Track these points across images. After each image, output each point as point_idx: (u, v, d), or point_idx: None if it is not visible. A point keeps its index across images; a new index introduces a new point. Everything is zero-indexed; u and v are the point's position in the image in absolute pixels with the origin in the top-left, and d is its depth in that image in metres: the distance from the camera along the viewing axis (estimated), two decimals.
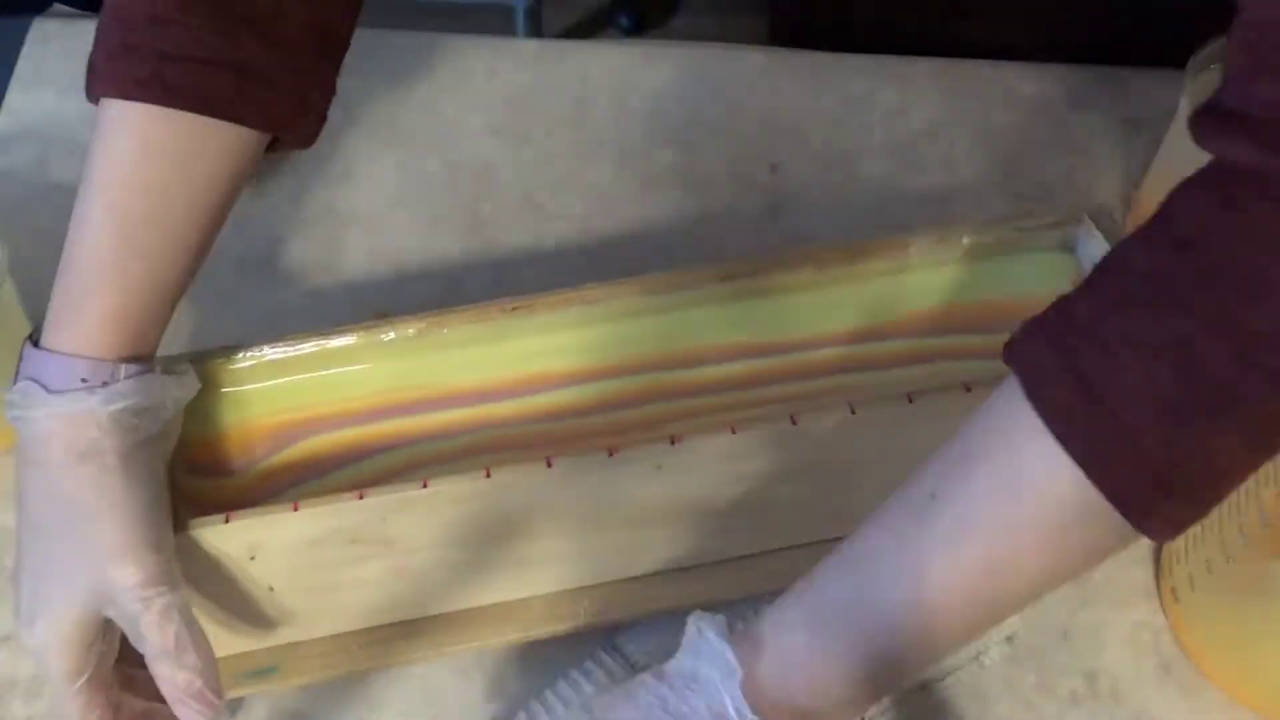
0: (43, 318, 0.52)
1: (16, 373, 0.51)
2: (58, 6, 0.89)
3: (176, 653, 0.49)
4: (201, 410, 0.58)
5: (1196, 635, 0.58)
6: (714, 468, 0.55)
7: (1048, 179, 0.75)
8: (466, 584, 0.57)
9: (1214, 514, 0.55)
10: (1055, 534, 0.42)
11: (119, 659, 0.52)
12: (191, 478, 0.58)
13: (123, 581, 0.49)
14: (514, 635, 0.57)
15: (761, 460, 0.55)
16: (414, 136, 0.78)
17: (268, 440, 0.59)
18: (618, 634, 0.58)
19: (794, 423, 0.54)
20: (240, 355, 0.59)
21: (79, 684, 0.49)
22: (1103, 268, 0.42)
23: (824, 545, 0.59)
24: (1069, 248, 0.63)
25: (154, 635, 0.49)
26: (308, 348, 0.59)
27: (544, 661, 0.58)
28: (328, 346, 0.59)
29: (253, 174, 0.55)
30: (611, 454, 0.53)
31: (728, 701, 0.45)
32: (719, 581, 0.57)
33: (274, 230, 0.74)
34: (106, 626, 0.50)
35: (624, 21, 1.83)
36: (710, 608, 0.48)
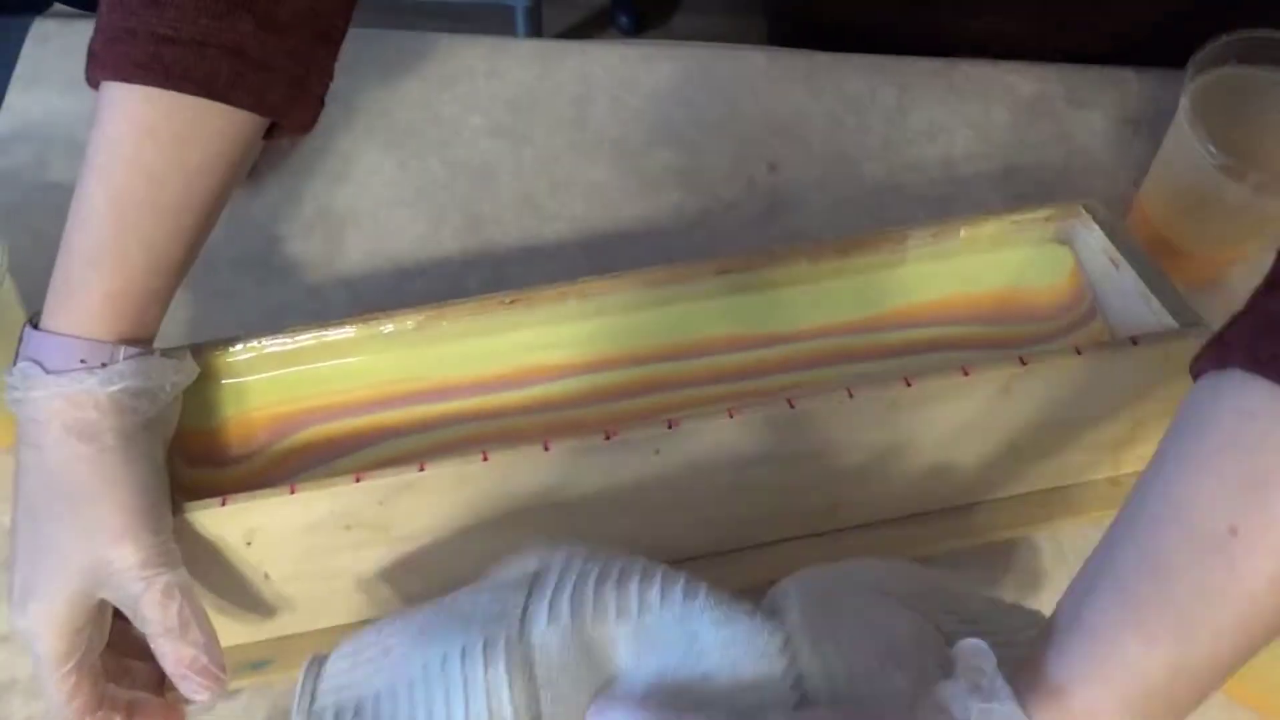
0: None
1: (16, 354, 0.52)
2: (58, 6, 0.89)
3: (181, 630, 0.49)
4: (200, 401, 0.58)
5: None
6: (712, 452, 0.54)
7: (1047, 179, 0.75)
8: (464, 573, 0.57)
9: None
10: None
11: (107, 647, 0.52)
12: (190, 469, 0.58)
13: (121, 562, 0.49)
14: None
15: (759, 444, 0.55)
16: (414, 136, 0.78)
17: (266, 431, 0.60)
18: None
19: (791, 406, 0.54)
20: (239, 346, 0.59)
21: (66, 668, 0.49)
22: None
23: (824, 538, 0.59)
24: (1065, 240, 0.63)
25: (156, 614, 0.49)
26: (307, 339, 0.59)
27: None
28: (326, 338, 0.59)
29: (253, 166, 0.55)
30: (609, 437, 0.53)
31: None
32: (721, 573, 0.57)
33: (273, 229, 0.74)
34: (98, 611, 0.50)
35: (623, 21, 1.84)
36: None
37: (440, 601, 0.48)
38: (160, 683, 0.54)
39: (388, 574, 0.56)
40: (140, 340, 0.52)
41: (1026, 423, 0.57)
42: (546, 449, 0.53)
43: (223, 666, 0.50)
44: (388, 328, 0.59)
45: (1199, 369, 0.40)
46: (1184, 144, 0.63)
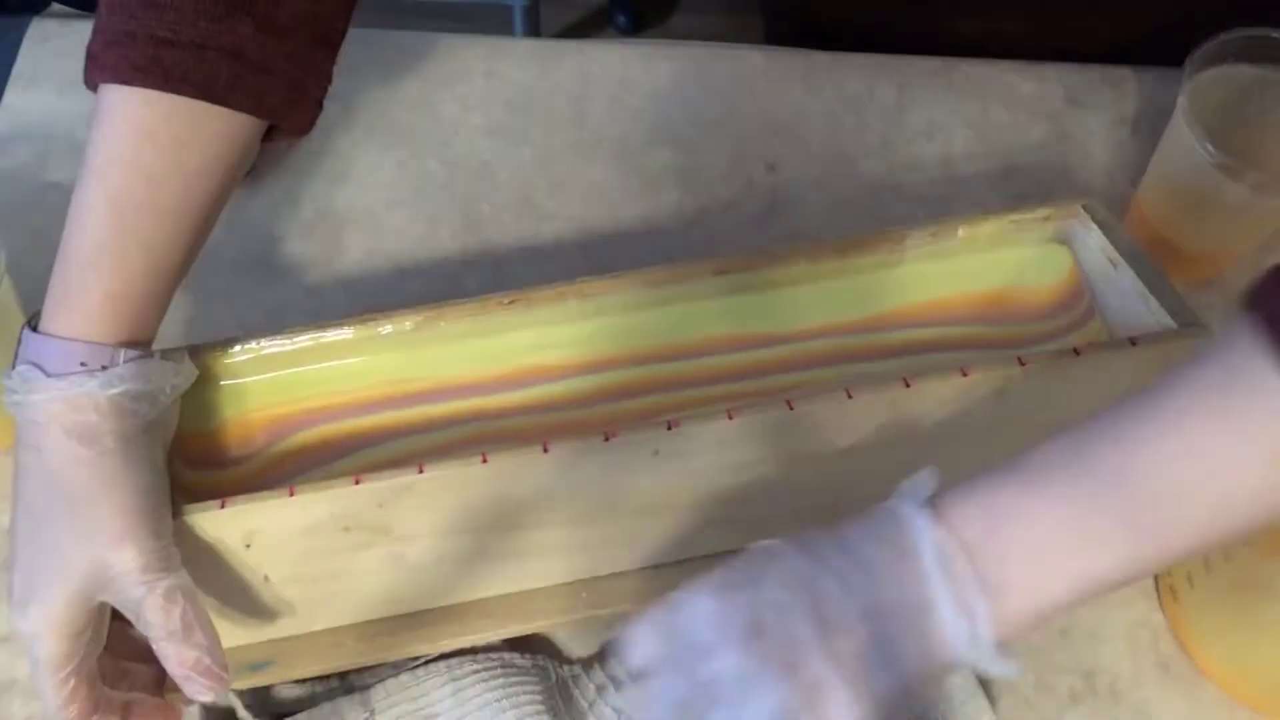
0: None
1: (15, 357, 0.51)
2: (56, 6, 0.89)
3: (184, 633, 0.49)
4: (199, 403, 0.58)
5: (1195, 633, 0.59)
6: (711, 453, 0.55)
7: (1046, 178, 0.75)
8: (463, 576, 0.57)
9: None
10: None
11: (105, 650, 0.52)
12: (189, 471, 0.58)
13: (123, 566, 0.49)
14: (512, 629, 0.57)
15: (758, 446, 0.55)
16: (412, 136, 0.78)
17: (265, 433, 0.60)
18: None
19: (790, 407, 0.54)
20: (237, 348, 0.59)
21: (65, 672, 0.49)
22: None
23: None
24: (1064, 240, 0.63)
25: (159, 618, 0.49)
26: (305, 341, 0.59)
27: None
28: (325, 339, 0.59)
29: (252, 166, 0.55)
30: (608, 439, 0.53)
31: (919, 534, 0.42)
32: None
33: (272, 229, 0.74)
34: (97, 614, 0.50)
35: (622, 21, 1.84)
36: None
37: None
38: (159, 684, 0.54)
39: (387, 576, 0.56)
40: (139, 343, 0.52)
41: (1025, 423, 0.57)
42: (545, 450, 0.53)
43: (226, 667, 0.50)
44: (386, 328, 0.59)
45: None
46: (1182, 143, 0.63)
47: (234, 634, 0.56)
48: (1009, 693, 0.58)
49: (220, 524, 0.53)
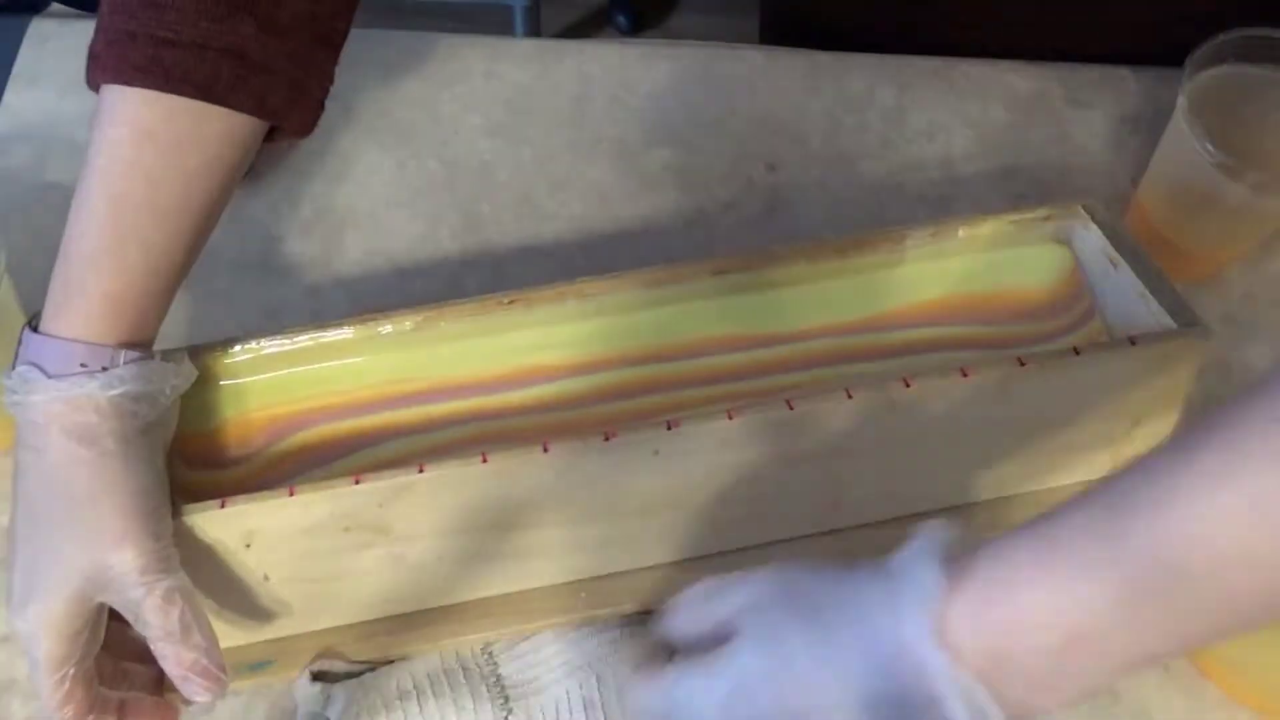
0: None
1: (15, 357, 0.51)
2: (56, 6, 0.89)
3: (182, 634, 0.49)
4: (199, 403, 0.58)
5: None
6: (711, 453, 0.55)
7: (1046, 178, 0.75)
8: (463, 576, 0.57)
9: None
10: None
11: (103, 650, 0.52)
12: (189, 471, 0.58)
13: (122, 567, 0.49)
14: (512, 628, 0.57)
15: (758, 446, 0.55)
16: (412, 136, 0.78)
17: (265, 433, 0.60)
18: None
19: (790, 407, 0.54)
20: (237, 348, 0.59)
21: (63, 673, 0.49)
22: None
23: (825, 537, 0.59)
24: (1064, 240, 0.63)
25: (157, 619, 0.49)
26: (305, 340, 0.59)
27: None
28: (325, 339, 0.59)
29: (251, 166, 0.55)
30: (607, 439, 0.53)
31: (911, 624, 0.39)
32: (721, 573, 0.57)
33: (272, 229, 0.74)
34: (96, 615, 0.50)
35: (621, 21, 1.84)
36: None
37: None
38: (157, 684, 0.54)
39: (387, 575, 0.56)
40: (140, 343, 0.52)
41: (1025, 423, 0.57)
42: (545, 450, 0.53)
43: (224, 668, 0.50)
44: (386, 328, 0.59)
45: None
46: (1182, 143, 0.63)
47: (233, 634, 0.56)
48: None
49: (219, 524, 0.53)
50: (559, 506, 0.55)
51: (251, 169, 0.73)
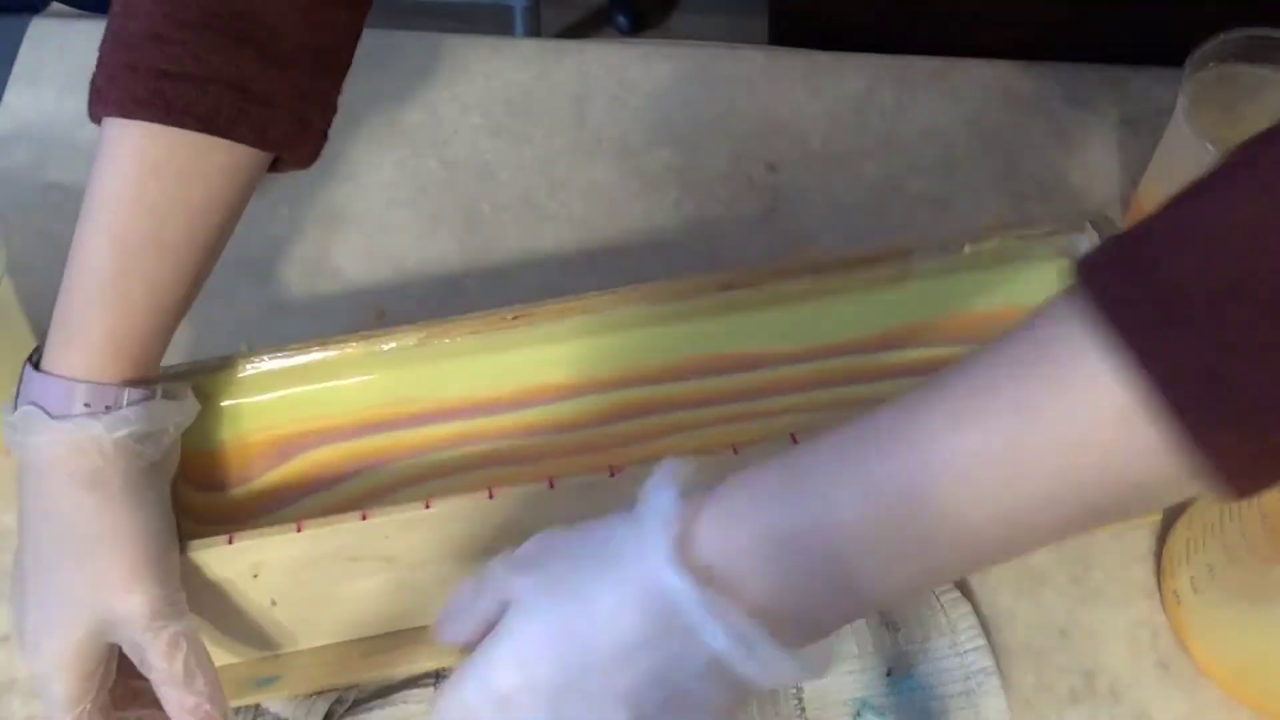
0: (42, 320, 0.52)
1: (16, 395, 0.51)
2: (56, 6, 0.89)
3: (185, 679, 0.49)
4: (201, 425, 0.58)
5: (1198, 637, 0.58)
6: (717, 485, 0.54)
7: (1046, 179, 0.75)
8: None
9: (1216, 517, 0.55)
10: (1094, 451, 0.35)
11: (117, 668, 0.52)
12: (193, 491, 0.58)
13: (129, 613, 0.49)
14: None
15: None
16: (413, 136, 0.78)
17: (269, 455, 0.59)
18: None
19: (794, 440, 0.54)
20: (239, 367, 0.58)
21: (80, 709, 0.49)
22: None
23: None
24: (1072, 255, 0.62)
25: (162, 663, 0.49)
26: (307, 358, 0.59)
27: None
28: (328, 357, 0.59)
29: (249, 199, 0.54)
30: (613, 474, 0.53)
31: (652, 549, 0.38)
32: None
33: (272, 229, 0.74)
34: (107, 654, 0.50)
35: (622, 21, 1.83)
36: None
37: None
38: None
39: (392, 597, 0.56)
40: (143, 381, 0.51)
41: None
42: (551, 486, 0.53)
43: (226, 713, 0.50)
44: (389, 345, 0.59)
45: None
46: (1182, 142, 0.63)
47: (240, 652, 0.57)
48: (1009, 693, 0.58)
49: (227, 558, 0.53)
50: None
51: None
